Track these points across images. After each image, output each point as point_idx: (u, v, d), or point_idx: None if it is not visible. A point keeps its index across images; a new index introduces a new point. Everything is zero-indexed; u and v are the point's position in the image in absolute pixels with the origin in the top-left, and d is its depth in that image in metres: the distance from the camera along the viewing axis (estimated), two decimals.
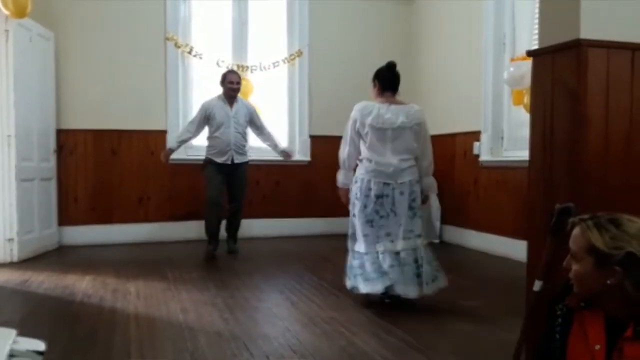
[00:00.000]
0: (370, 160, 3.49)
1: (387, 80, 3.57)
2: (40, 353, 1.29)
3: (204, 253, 5.13)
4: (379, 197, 3.45)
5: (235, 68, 6.02)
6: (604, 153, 2.18)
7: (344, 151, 3.62)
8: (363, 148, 3.54)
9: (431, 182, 3.65)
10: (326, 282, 4.24)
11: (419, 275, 3.39)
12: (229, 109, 5.16)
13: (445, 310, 3.45)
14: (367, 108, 3.51)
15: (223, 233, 5.29)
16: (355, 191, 3.53)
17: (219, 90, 5.21)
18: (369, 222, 3.46)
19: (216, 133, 5.12)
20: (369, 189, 3.46)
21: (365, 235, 3.48)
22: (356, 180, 3.54)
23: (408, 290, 3.38)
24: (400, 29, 6.78)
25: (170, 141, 5.56)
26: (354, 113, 3.55)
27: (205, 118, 5.13)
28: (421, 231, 3.52)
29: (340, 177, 3.66)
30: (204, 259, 5.05)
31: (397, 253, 3.42)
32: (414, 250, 3.43)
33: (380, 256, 3.43)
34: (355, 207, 3.53)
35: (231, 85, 5.14)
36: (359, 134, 3.52)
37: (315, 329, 3.09)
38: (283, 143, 6.40)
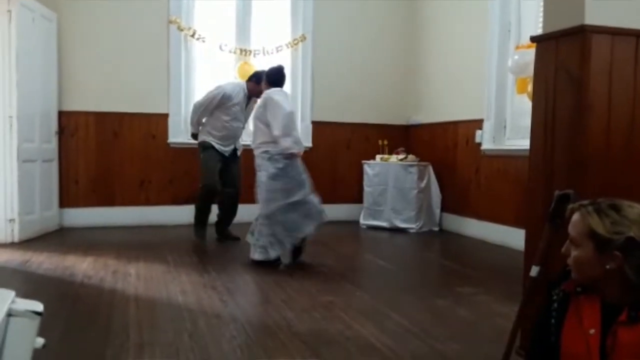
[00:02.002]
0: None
1: (279, 81, 4.39)
2: (38, 313, 1.31)
3: (195, 238, 5.00)
4: None
5: (238, 52, 6.00)
6: (605, 141, 2.16)
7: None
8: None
9: None
10: (325, 267, 4.26)
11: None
12: (245, 105, 5.00)
13: (442, 296, 3.47)
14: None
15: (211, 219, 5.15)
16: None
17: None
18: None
19: (228, 123, 4.91)
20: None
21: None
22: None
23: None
24: (403, 15, 6.72)
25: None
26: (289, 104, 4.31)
27: (220, 104, 4.87)
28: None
29: None
30: (198, 242, 4.96)
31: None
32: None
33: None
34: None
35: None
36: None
37: (314, 312, 3.10)
38: None
